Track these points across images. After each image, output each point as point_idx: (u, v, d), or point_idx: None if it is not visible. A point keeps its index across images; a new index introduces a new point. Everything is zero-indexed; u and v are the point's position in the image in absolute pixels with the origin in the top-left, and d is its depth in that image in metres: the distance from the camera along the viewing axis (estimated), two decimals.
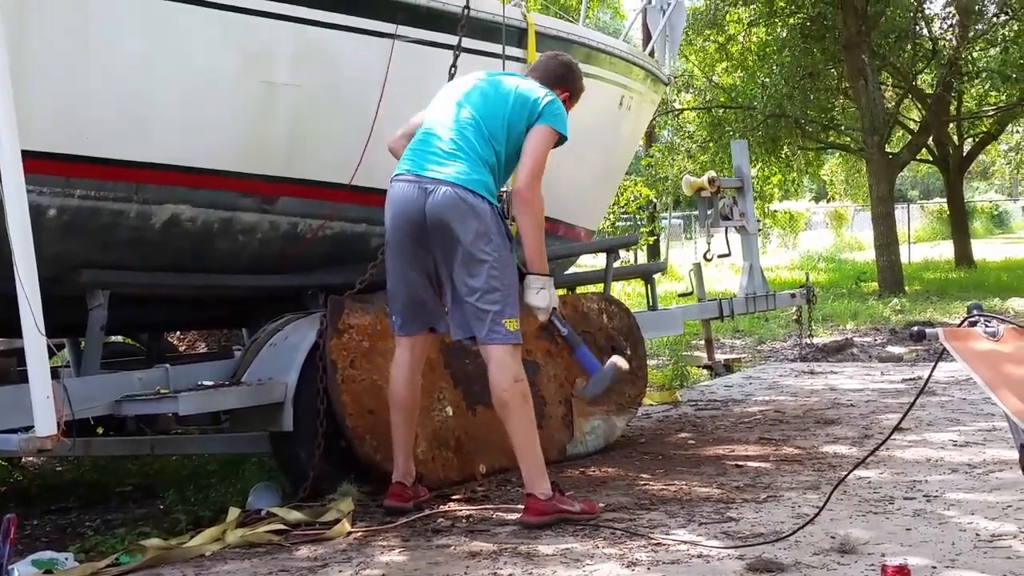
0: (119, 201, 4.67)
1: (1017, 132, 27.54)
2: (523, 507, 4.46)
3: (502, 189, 4.81)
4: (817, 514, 4.10)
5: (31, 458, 6.60)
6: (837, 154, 27.93)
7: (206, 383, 4.91)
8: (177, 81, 4.73)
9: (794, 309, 9.88)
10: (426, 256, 4.54)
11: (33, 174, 4.10)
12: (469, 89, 4.70)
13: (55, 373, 4.14)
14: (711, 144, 20.40)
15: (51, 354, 3.94)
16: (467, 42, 5.55)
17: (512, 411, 4.45)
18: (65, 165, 4.46)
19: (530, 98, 4.60)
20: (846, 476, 4.25)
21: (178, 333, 8.10)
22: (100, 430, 6.04)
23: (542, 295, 4.59)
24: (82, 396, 4.44)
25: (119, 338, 7.00)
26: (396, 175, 4.60)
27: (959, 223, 24.16)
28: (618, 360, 4.77)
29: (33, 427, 3.84)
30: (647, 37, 10.66)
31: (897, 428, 3.74)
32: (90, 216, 4.60)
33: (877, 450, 3.94)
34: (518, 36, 6.13)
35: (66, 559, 4.11)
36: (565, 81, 4.88)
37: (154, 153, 4.73)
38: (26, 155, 3.84)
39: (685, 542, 4.04)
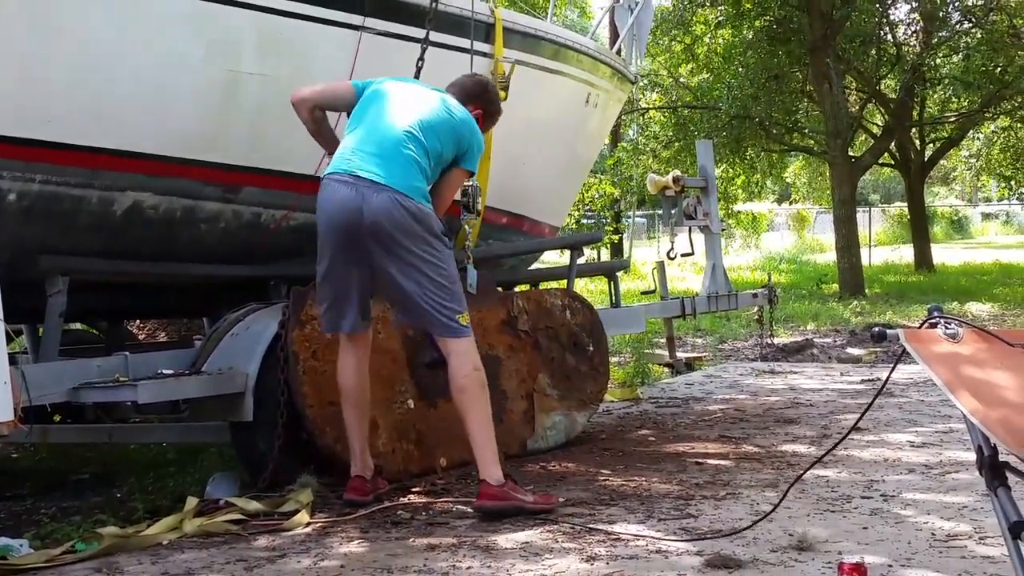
0: (80, 187, 4.63)
1: (978, 139, 27.81)
2: (477, 493, 4.47)
3: (467, 183, 5.04)
4: (773, 509, 4.13)
5: None
6: (800, 156, 28.06)
7: (166, 372, 4.88)
8: (140, 67, 4.69)
9: (755, 309, 9.92)
10: (360, 256, 4.56)
11: None
12: (410, 96, 4.74)
13: (12, 359, 4.09)
14: (676, 144, 20.47)
15: (9, 340, 3.89)
16: (434, 36, 5.54)
17: (470, 397, 4.51)
18: (26, 150, 4.42)
19: (463, 132, 4.73)
20: (803, 474, 4.28)
21: (138, 322, 8.03)
22: (57, 417, 5.98)
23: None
24: (40, 382, 4.40)
25: (78, 325, 6.93)
26: (331, 173, 4.59)
27: (919, 227, 24.36)
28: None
29: None
30: (614, 36, 10.68)
31: (855, 427, 3.77)
32: (51, 201, 4.55)
33: (835, 448, 3.96)
34: (485, 31, 6.12)
35: (21, 546, 4.08)
36: (479, 100, 4.95)
37: (116, 139, 4.69)
38: None
39: (644, 537, 4.05)
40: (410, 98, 4.73)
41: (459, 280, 4.66)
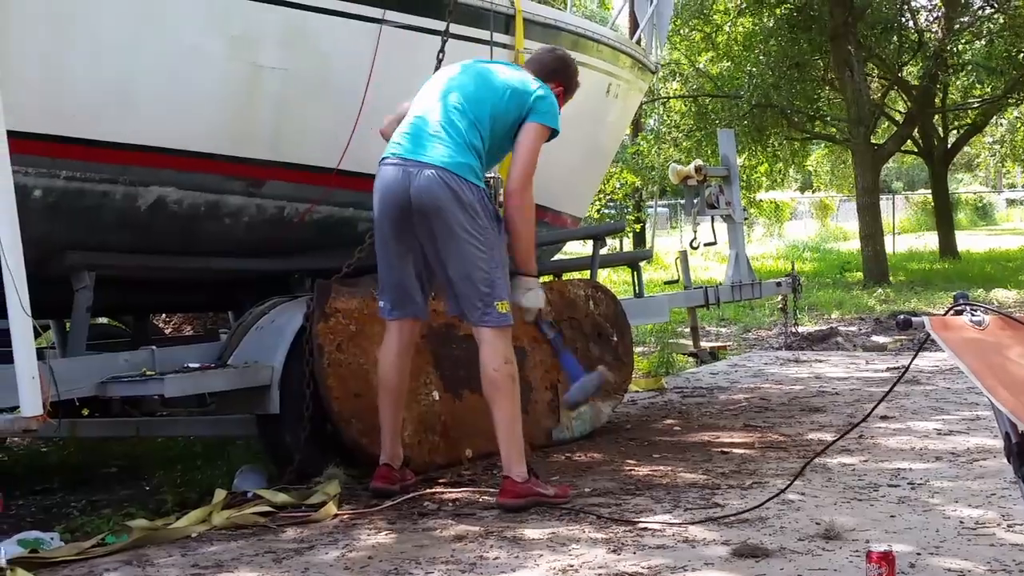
0: (105, 183, 4.65)
1: (1001, 124, 27.63)
2: (500, 489, 4.48)
3: (488, 175, 4.83)
4: (789, 484, 4.20)
5: (16, 438, 6.59)
6: (823, 144, 27.96)
7: (192, 365, 4.90)
8: (164, 63, 4.71)
9: (779, 298, 9.89)
10: (412, 240, 4.54)
11: (19, 155, 4.08)
12: (458, 74, 4.71)
13: (40, 354, 4.12)
14: (697, 133, 20.41)
15: (36, 335, 3.92)
16: (455, 28, 5.54)
17: (500, 391, 4.47)
18: (51, 146, 4.44)
19: (522, 90, 4.59)
20: (822, 451, 4.30)
21: (164, 316, 8.08)
22: (85, 411, 6.02)
23: (529, 296, 4.65)
24: (68, 377, 4.41)
25: (104, 320, 6.97)
26: (383, 159, 4.61)
27: (943, 214, 24.22)
28: (604, 370, 4.85)
29: (18, 407, 3.83)
30: (634, 25, 10.66)
31: (878, 410, 3.77)
32: (76, 197, 4.58)
33: (853, 429, 3.97)
34: (505, 22, 6.12)
35: (52, 539, 4.11)
36: (559, 76, 4.85)
37: (141, 135, 4.71)
38: (11, 135, 3.82)
39: (671, 526, 4.06)
40: (453, 76, 4.69)
41: (504, 265, 4.53)
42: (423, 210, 4.42)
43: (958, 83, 21.97)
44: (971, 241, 27.30)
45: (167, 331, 8.05)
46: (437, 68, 5.39)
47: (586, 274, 7.07)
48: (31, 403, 3.79)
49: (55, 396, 4.10)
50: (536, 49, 6.11)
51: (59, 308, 5.17)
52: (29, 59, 4.30)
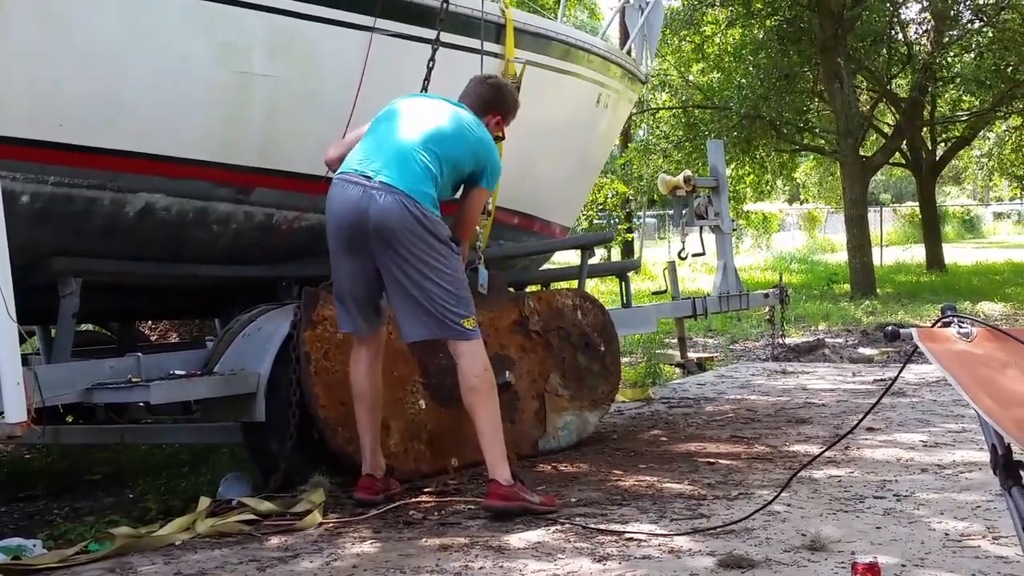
0: (93, 188, 4.64)
1: (989, 138, 27.76)
2: (486, 492, 4.48)
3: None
4: (776, 496, 4.19)
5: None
6: (811, 156, 28.05)
7: (178, 372, 4.89)
8: (153, 69, 4.70)
9: (767, 309, 9.90)
10: (366, 259, 4.56)
11: (7, 160, 4.07)
12: (437, 109, 4.75)
13: (25, 360, 4.11)
14: (686, 144, 20.46)
15: (22, 341, 3.90)
16: (445, 37, 5.55)
17: (481, 397, 4.52)
18: (39, 151, 4.43)
19: (480, 150, 4.73)
20: (808, 463, 4.30)
21: (150, 323, 8.05)
22: (70, 418, 5.99)
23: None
24: (52, 383, 4.40)
25: (90, 326, 6.95)
26: (343, 173, 4.61)
27: (931, 227, 24.31)
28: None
29: (2, 413, 3.81)
30: (625, 36, 10.69)
31: (864, 423, 3.77)
32: (64, 203, 4.56)
33: (842, 439, 3.99)
34: (496, 32, 6.12)
35: (34, 546, 4.10)
36: (497, 105, 4.96)
37: (129, 141, 4.70)
38: (0, 141, 3.81)
39: (656, 536, 4.05)
40: (425, 109, 4.74)
41: (467, 285, 4.64)
42: (384, 233, 4.45)
43: (947, 96, 22.07)
44: (958, 254, 27.40)
45: (153, 338, 8.02)
46: (427, 76, 5.41)
47: (575, 284, 7.07)
48: (15, 409, 3.78)
49: (39, 402, 4.08)
50: (524, 58, 6.16)
51: (45, 314, 5.15)
52: (18, 64, 4.29)
